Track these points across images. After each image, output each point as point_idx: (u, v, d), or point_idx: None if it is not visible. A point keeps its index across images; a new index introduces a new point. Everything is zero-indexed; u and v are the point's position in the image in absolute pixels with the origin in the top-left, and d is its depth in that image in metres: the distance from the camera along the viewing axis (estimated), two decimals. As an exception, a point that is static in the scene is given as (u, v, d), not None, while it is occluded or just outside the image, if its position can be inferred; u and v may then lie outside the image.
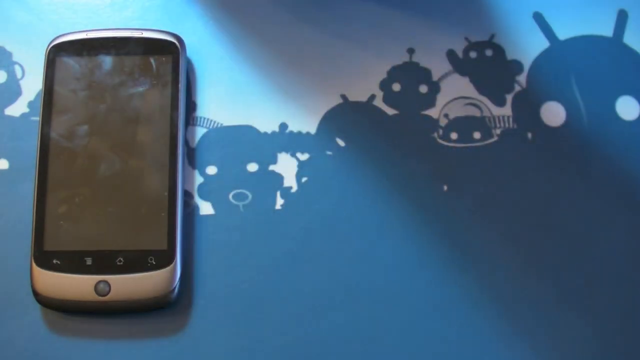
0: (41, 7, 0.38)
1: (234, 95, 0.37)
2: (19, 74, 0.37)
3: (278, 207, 0.35)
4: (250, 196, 0.35)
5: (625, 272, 0.34)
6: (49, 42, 0.35)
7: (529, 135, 0.36)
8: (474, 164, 0.36)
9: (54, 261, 0.32)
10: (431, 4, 0.39)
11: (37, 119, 0.34)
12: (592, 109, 0.37)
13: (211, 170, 0.35)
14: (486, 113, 0.37)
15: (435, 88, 0.37)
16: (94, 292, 0.32)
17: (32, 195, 0.33)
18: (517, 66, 0.37)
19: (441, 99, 0.37)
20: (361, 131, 0.36)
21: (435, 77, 0.37)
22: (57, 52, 0.35)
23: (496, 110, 0.37)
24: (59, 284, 0.32)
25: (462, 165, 0.36)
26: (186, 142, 0.35)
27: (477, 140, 0.36)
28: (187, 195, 0.35)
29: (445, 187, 0.35)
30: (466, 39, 0.38)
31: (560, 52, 0.38)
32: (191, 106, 0.36)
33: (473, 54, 0.38)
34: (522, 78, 0.37)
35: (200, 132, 0.36)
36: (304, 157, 0.36)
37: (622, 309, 0.33)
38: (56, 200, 0.33)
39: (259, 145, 0.36)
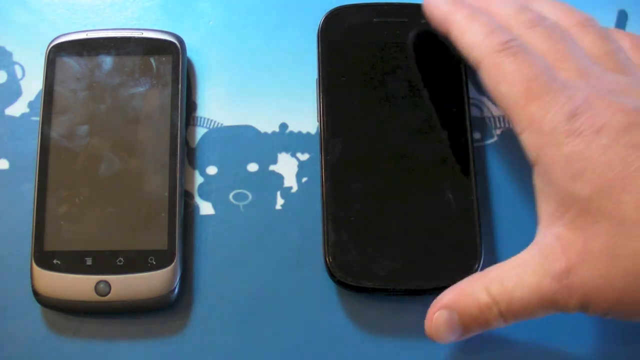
0: (41, 7, 0.38)
1: (234, 95, 0.37)
2: (19, 74, 0.37)
3: (278, 207, 0.35)
4: (250, 196, 0.35)
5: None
6: (49, 42, 0.35)
7: (529, 135, 0.36)
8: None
9: (54, 261, 0.32)
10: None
11: (37, 119, 0.34)
12: (592, 109, 0.37)
13: (211, 170, 0.35)
14: (486, 113, 0.37)
15: (435, 88, 0.37)
16: (94, 292, 0.32)
17: (32, 195, 0.33)
18: (517, 66, 0.37)
19: (441, 99, 0.37)
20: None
21: (435, 77, 0.37)
22: (57, 52, 0.35)
23: (496, 110, 0.37)
24: (59, 284, 0.32)
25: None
26: (186, 142, 0.35)
27: (477, 140, 0.36)
28: (187, 196, 0.35)
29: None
30: (466, 39, 0.38)
31: (560, 52, 0.38)
32: (191, 106, 0.36)
33: (473, 54, 0.38)
34: (522, 78, 0.37)
35: (200, 132, 0.36)
36: (304, 157, 0.36)
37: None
38: (56, 200, 0.33)
39: (259, 145, 0.36)
